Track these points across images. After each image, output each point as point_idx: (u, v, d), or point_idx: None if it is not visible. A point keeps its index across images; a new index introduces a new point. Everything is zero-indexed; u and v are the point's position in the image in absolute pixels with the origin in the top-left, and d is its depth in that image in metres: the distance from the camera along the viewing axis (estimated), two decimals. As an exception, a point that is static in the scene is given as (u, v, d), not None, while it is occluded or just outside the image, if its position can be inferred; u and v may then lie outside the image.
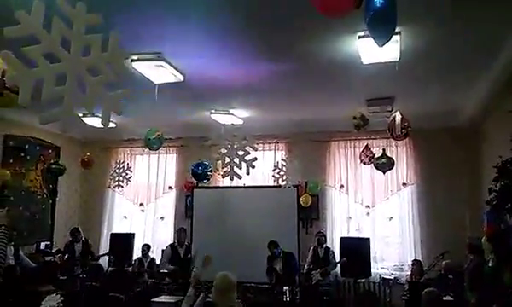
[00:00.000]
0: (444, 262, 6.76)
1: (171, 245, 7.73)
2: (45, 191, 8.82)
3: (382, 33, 2.43)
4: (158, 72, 5.11)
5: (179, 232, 7.78)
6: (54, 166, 8.36)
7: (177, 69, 5.13)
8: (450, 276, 6.40)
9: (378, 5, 2.36)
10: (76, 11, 1.80)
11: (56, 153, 9.02)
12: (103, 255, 8.18)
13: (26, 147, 8.28)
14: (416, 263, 7.27)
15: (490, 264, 4.59)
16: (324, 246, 7.72)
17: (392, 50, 4.34)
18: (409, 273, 7.44)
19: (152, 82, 5.34)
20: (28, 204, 8.33)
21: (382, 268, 8.12)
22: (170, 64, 4.97)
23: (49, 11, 1.75)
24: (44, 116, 1.70)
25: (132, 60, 4.76)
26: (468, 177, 7.67)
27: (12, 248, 6.90)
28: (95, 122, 6.89)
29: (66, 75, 1.75)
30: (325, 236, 7.92)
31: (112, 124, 7.38)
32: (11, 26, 1.68)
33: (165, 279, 7.23)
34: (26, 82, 1.67)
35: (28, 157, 8.35)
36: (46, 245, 8.43)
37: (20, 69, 1.68)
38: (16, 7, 1.76)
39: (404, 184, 8.31)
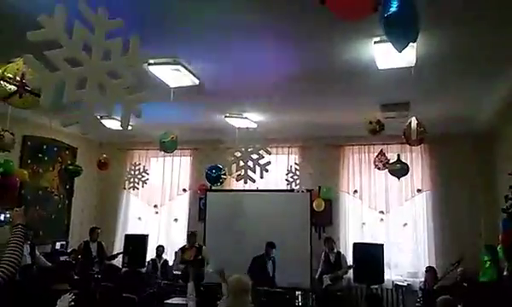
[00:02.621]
0: (459, 269, 6.68)
1: (182, 247, 7.79)
2: (62, 191, 8.96)
3: (399, 38, 2.42)
4: (174, 76, 5.16)
5: (190, 235, 7.82)
6: (70, 167, 8.49)
7: (192, 73, 5.18)
8: (465, 284, 6.32)
9: (393, 9, 2.33)
10: (97, 16, 1.84)
11: (73, 154, 9.16)
12: (118, 254, 8.28)
13: (44, 147, 8.42)
14: (430, 270, 7.19)
15: (505, 273, 4.53)
16: (335, 250, 7.68)
17: (408, 55, 4.31)
18: (422, 280, 7.36)
19: (168, 85, 5.40)
20: (45, 204, 8.47)
21: (396, 274, 8.05)
22: (185, 68, 5.02)
23: (70, 16, 1.79)
24: (65, 118, 1.75)
25: (149, 64, 4.82)
26: (484, 184, 7.57)
27: (28, 247, 7.04)
28: (112, 124, 6.98)
29: (87, 79, 1.79)
30: (334, 241, 7.84)
31: (128, 127, 7.47)
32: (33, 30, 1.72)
33: (178, 280, 7.28)
34: (48, 85, 1.72)
35: (46, 157, 8.49)
36: (61, 245, 8.55)
37: (42, 72, 1.72)
38: (39, 11, 1.80)
39: (418, 190, 8.24)
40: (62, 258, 7.83)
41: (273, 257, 7.09)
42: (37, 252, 7.03)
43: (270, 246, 7.08)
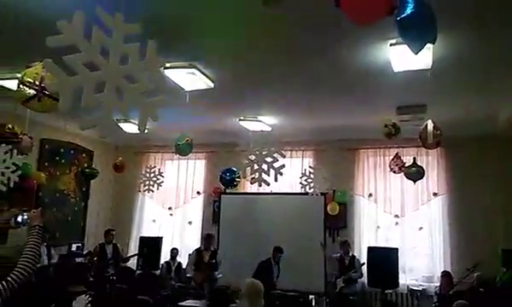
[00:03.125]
0: (475, 274, 6.58)
1: (197, 249, 7.79)
2: (78, 194, 9.08)
3: (415, 40, 2.40)
4: (189, 80, 5.21)
5: (206, 238, 7.81)
6: (87, 170, 8.60)
7: (207, 76, 5.22)
8: (482, 289, 6.22)
9: (408, 11, 2.31)
10: (115, 21, 1.87)
11: (90, 157, 9.28)
12: (132, 256, 8.34)
13: (61, 150, 8.55)
14: (445, 274, 7.10)
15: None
16: (350, 254, 7.63)
17: (424, 57, 4.28)
18: (438, 285, 7.27)
19: (183, 89, 5.44)
20: (61, 206, 8.60)
21: (411, 279, 7.96)
22: (201, 71, 5.06)
23: (88, 21, 1.82)
24: (84, 122, 1.77)
25: (165, 68, 4.86)
26: (503, 188, 7.44)
27: (45, 249, 7.14)
28: (129, 128, 7.05)
29: (105, 83, 1.81)
30: (350, 245, 7.78)
31: (145, 130, 7.53)
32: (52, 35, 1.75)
33: (191, 283, 7.29)
34: (67, 89, 1.75)
35: (63, 160, 8.62)
36: (78, 246, 8.65)
37: (60, 77, 1.75)
38: (58, 17, 1.83)
39: (434, 194, 8.15)
40: (78, 260, 7.91)
41: (278, 261, 7.04)
42: (53, 253, 7.14)
43: (278, 250, 7.05)
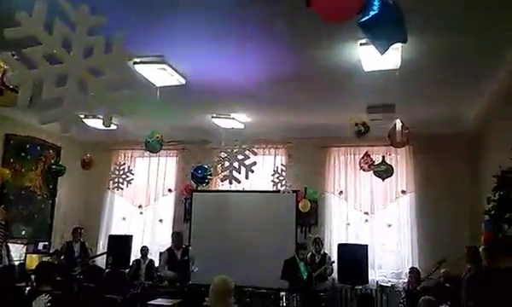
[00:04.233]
0: (442, 270, 6.75)
1: (168, 248, 7.70)
2: (45, 191, 8.83)
3: (380, 41, 2.43)
4: (160, 75, 5.13)
5: (174, 236, 7.72)
6: (54, 166, 8.38)
7: (178, 72, 5.16)
8: (448, 285, 6.39)
9: (372, 12, 2.32)
10: (79, 13, 1.81)
11: (57, 153, 9.04)
12: (100, 254, 8.19)
13: (27, 146, 8.30)
14: (413, 270, 7.25)
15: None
16: (322, 252, 7.70)
17: (393, 58, 4.36)
18: (406, 281, 7.43)
19: (154, 84, 5.36)
20: (27, 203, 8.34)
21: (380, 275, 8.11)
22: (172, 67, 4.99)
23: (51, 13, 1.76)
24: (44, 116, 1.71)
25: (135, 63, 4.78)
26: (469, 186, 7.64)
27: (5, 248, 6.90)
28: (96, 123, 6.89)
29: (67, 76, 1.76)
30: (322, 242, 7.85)
31: (113, 126, 7.39)
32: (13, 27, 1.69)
33: (164, 282, 7.21)
34: (26, 83, 1.68)
35: (29, 156, 8.37)
36: (44, 245, 8.42)
37: (20, 70, 1.69)
38: (18, 8, 1.77)
39: (403, 192, 8.31)
40: (44, 259, 7.70)
41: (303, 258, 6.93)
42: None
43: (299, 247, 6.99)
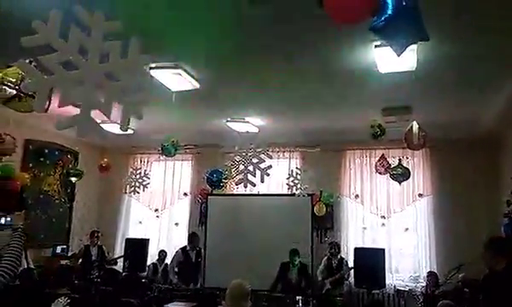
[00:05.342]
0: (460, 275, 6.64)
1: (182, 248, 7.74)
2: (63, 195, 8.95)
3: (396, 43, 2.40)
4: (175, 80, 5.17)
5: (191, 236, 7.78)
6: (72, 171, 8.49)
7: (193, 77, 5.19)
8: (466, 290, 6.28)
9: (382, 18, 2.28)
10: (94, 18, 1.84)
11: (75, 158, 9.16)
12: (118, 258, 8.26)
13: (46, 151, 8.42)
14: (431, 275, 7.16)
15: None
16: (339, 256, 7.64)
17: (408, 59, 4.31)
18: (424, 285, 7.33)
19: (169, 89, 5.40)
20: (46, 207, 8.46)
21: (397, 279, 8.01)
22: (186, 72, 5.03)
23: (67, 19, 1.79)
24: (61, 121, 1.74)
25: (150, 68, 4.83)
26: (487, 189, 7.51)
27: (24, 252, 7.00)
28: (112, 128, 6.94)
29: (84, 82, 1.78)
30: (339, 246, 7.81)
31: (130, 131, 7.46)
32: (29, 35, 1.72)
33: (181, 285, 7.26)
34: (42, 89, 1.72)
35: (47, 161, 8.49)
36: (62, 248, 8.53)
37: (36, 77, 1.72)
38: (34, 17, 1.80)
39: (420, 195, 8.21)
40: (63, 262, 7.81)
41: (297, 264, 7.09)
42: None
43: (292, 253, 7.08)
